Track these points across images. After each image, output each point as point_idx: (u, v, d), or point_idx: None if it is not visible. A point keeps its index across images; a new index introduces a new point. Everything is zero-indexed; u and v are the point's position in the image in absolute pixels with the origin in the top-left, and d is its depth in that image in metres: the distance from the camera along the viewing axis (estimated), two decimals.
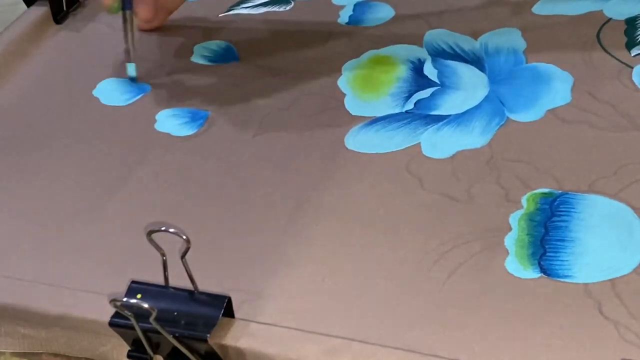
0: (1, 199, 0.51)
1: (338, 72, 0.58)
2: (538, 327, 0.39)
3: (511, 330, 0.40)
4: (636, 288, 0.41)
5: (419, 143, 0.51)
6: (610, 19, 0.60)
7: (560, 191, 0.46)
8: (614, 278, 0.41)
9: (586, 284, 0.41)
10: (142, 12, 0.61)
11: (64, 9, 0.67)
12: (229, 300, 0.40)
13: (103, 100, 0.58)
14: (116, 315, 0.39)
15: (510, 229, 0.44)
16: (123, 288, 0.40)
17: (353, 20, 0.64)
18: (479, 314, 0.40)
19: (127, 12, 0.60)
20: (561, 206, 0.45)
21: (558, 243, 0.43)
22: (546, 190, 0.46)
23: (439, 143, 0.51)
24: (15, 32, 0.65)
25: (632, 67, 0.55)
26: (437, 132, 0.52)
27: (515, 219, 0.45)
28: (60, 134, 0.56)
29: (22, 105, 0.59)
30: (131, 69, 0.59)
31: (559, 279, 0.42)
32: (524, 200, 0.46)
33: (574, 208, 0.45)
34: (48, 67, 0.63)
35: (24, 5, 0.68)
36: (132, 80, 0.59)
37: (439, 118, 0.53)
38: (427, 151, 0.50)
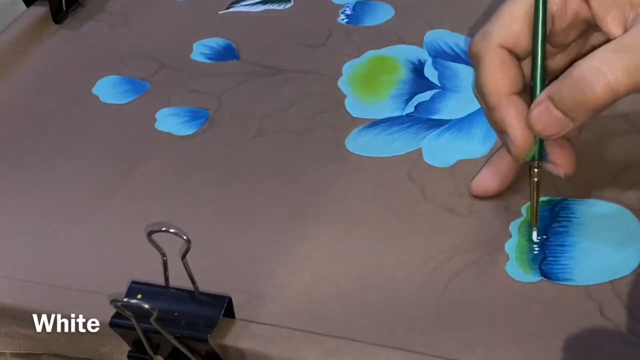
0: (0, 199, 0.51)
1: (338, 72, 0.58)
2: (539, 328, 0.39)
3: (512, 331, 0.39)
4: (637, 289, 0.41)
5: (420, 149, 0.51)
6: None
7: (559, 198, 0.46)
8: (614, 279, 0.41)
9: (587, 286, 0.41)
10: (567, 165, 0.43)
11: (64, 8, 0.67)
12: (230, 300, 0.40)
13: (103, 99, 0.58)
14: (116, 315, 0.39)
15: (510, 236, 0.44)
16: (123, 288, 0.40)
17: (353, 20, 0.64)
18: (480, 315, 0.40)
19: (537, 164, 0.42)
20: (561, 212, 0.45)
21: (558, 248, 0.43)
22: (545, 198, 0.46)
23: (439, 151, 0.50)
24: (14, 31, 0.65)
25: None
26: (437, 138, 0.51)
27: (515, 226, 0.45)
28: (59, 133, 0.56)
29: (21, 104, 0.59)
30: (535, 235, 0.44)
31: (559, 283, 0.42)
32: (523, 210, 0.46)
33: (573, 213, 0.45)
34: (48, 66, 0.63)
35: (23, 5, 0.68)
36: (536, 244, 0.44)
37: (440, 123, 0.52)
38: (428, 159, 0.50)
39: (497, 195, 0.46)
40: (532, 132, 0.41)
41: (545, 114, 0.40)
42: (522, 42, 0.42)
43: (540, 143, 0.42)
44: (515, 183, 0.46)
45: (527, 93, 0.42)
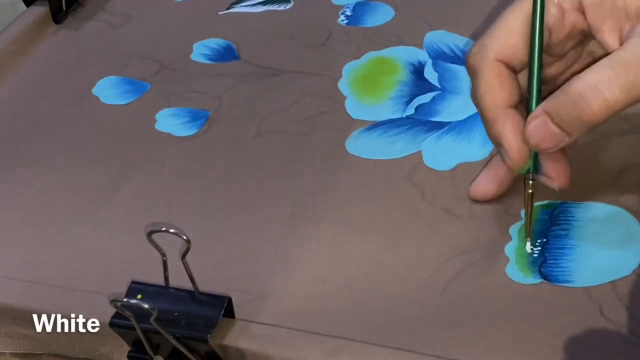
0: (0, 199, 0.51)
1: (338, 73, 0.58)
2: (539, 328, 0.39)
3: (512, 331, 0.40)
4: (637, 289, 0.41)
5: (420, 151, 0.51)
6: None
7: (559, 201, 0.46)
8: (614, 280, 0.41)
9: (587, 288, 0.41)
10: (561, 178, 0.43)
11: (64, 8, 0.67)
12: (230, 300, 0.40)
13: (103, 99, 0.58)
14: (116, 315, 0.39)
15: (510, 239, 0.44)
16: (123, 288, 0.40)
17: (353, 21, 0.64)
18: (480, 316, 0.40)
19: (531, 176, 0.42)
20: (561, 215, 0.45)
21: (558, 251, 0.43)
22: (545, 202, 0.46)
23: (440, 154, 0.50)
24: (14, 31, 0.65)
25: None
26: (437, 140, 0.51)
27: (515, 230, 0.45)
28: (59, 133, 0.56)
29: (20, 104, 0.59)
30: (529, 246, 0.43)
31: (559, 284, 0.42)
32: (523, 213, 0.46)
33: (573, 216, 0.45)
34: (47, 66, 0.63)
35: (23, 5, 0.68)
36: (530, 255, 0.43)
37: (440, 125, 0.52)
38: (428, 161, 0.50)
39: (497, 199, 0.46)
40: (528, 145, 0.41)
41: (542, 128, 0.40)
42: (519, 56, 0.42)
43: (535, 156, 0.42)
44: (515, 186, 0.46)
45: (524, 104, 0.42)
